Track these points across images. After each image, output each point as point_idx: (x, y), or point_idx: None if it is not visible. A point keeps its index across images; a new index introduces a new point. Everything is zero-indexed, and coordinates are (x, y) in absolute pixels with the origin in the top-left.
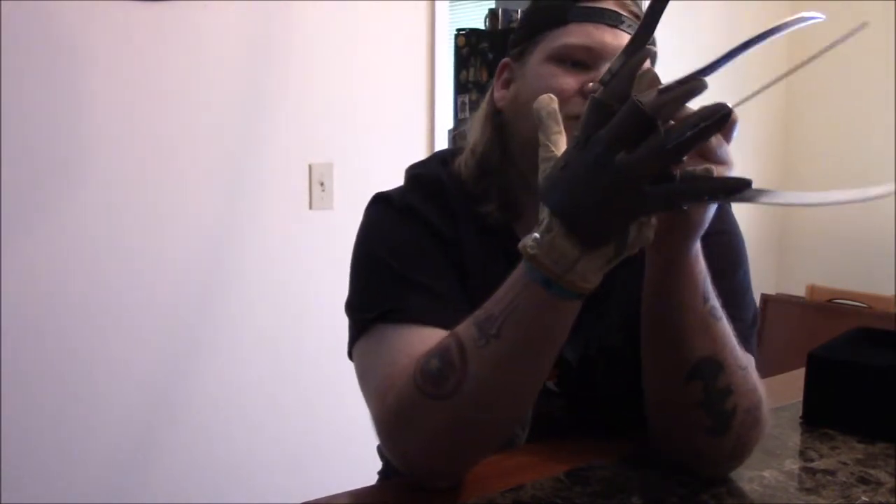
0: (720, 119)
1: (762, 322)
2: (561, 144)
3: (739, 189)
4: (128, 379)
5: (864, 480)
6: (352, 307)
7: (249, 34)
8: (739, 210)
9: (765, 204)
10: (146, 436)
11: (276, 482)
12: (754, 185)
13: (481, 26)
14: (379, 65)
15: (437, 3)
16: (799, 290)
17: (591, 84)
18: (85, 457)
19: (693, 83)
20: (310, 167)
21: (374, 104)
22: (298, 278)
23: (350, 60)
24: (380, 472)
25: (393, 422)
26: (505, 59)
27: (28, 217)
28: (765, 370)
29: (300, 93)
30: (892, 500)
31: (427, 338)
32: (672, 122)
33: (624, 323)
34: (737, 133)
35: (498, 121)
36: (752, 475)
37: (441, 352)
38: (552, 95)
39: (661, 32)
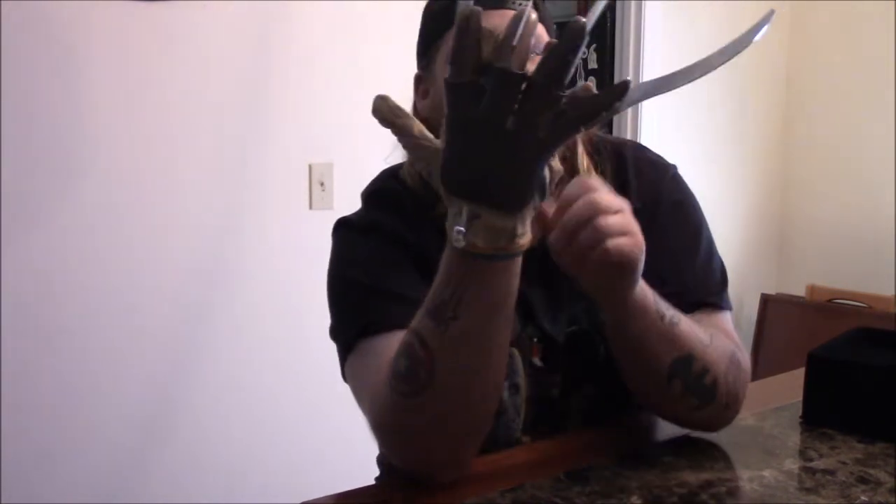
0: (578, 36)
1: (762, 322)
2: (429, 134)
3: (623, 92)
4: (128, 379)
5: (863, 480)
6: (334, 332)
7: (249, 34)
8: (739, 212)
9: (656, 93)
10: (146, 435)
11: (276, 482)
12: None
13: None
14: (379, 65)
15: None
16: (799, 290)
17: None
18: (85, 457)
19: (525, 21)
20: (310, 167)
21: None
22: (299, 278)
23: (350, 60)
24: (377, 479)
25: (383, 429)
26: (417, 73)
27: (28, 217)
28: (765, 370)
29: (300, 93)
30: (892, 499)
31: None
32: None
33: None
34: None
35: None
36: (752, 475)
37: (404, 351)
38: (382, 95)
39: (661, 31)
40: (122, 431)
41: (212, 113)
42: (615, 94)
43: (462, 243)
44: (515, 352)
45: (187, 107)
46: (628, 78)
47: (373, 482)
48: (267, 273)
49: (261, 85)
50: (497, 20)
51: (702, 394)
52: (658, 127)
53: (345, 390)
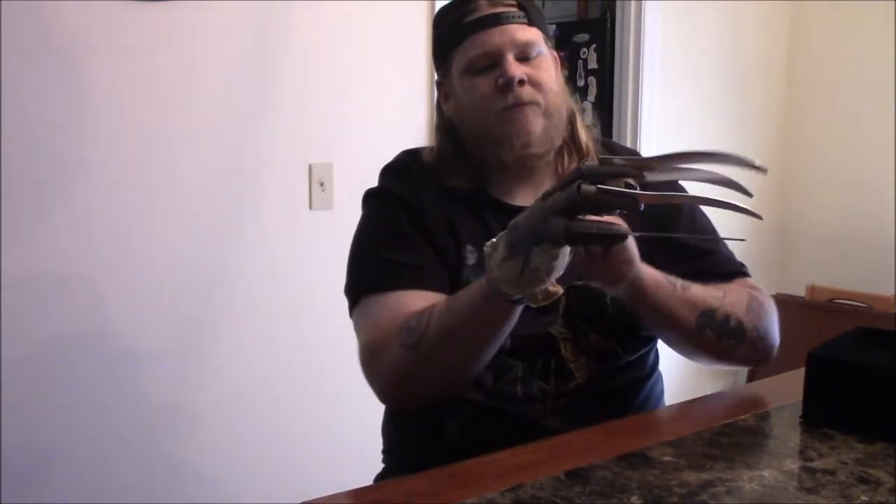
0: (614, 238)
1: None
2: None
3: (621, 239)
4: (127, 379)
5: (863, 480)
6: (346, 288)
7: (249, 34)
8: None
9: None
10: (146, 436)
11: (276, 482)
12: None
13: None
14: (379, 65)
15: (437, 3)
16: (799, 290)
17: (501, 79)
18: (85, 457)
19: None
20: (310, 167)
21: (374, 104)
22: (298, 278)
23: (350, 60)
24: (378, 476)
25: (370, 356)
26: (437, 79)
27: (28, 217)
28: (765, 370)
29: (300, 93)
30: (892, 499)
31: (396, 298)
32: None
33: None
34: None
35: (449, 125)
36: (752, 475)
37: (418, 314)
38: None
39: (661, 31)
40: (120, 431)
41: (212, 113)
42: (614, 238)
43: (488, 249)
44: None
45: (187, 106)
46: (625, 226)
47: (372, 482)
48: (267, 273)
49: (261, 85)
50: (497, 38)
51: (732, 335)
52: (658, 127)
53: (343, 391)
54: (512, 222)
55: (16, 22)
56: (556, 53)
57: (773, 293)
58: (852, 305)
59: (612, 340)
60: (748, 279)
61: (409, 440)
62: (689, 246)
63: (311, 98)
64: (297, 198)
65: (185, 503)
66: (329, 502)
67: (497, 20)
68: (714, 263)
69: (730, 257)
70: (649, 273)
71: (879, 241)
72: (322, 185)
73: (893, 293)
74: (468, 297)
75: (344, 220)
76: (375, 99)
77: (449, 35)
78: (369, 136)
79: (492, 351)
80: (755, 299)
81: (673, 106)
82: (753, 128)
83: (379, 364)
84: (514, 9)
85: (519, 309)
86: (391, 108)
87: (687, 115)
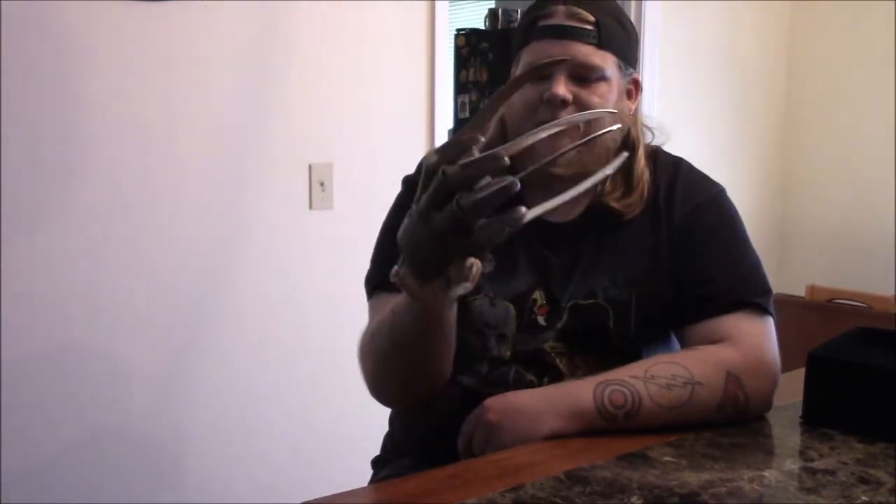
0: (504, 190)
1: None
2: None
3: (518, 221)
4: (127, 379)
5: (864, 480)
6: (366, 278)
7: (249, 34)
8: (739, 212)
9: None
10: (145, 436)
11: (276, 482)
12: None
13: (481, 26)
14: (379, 65)
15: (437, 3)
16: (799, 290)
17: (545, 94)
18: (85, 457)
19: (491, 162)
20: (310, 167)
21: (374, 104)
22: (298, 278)
23: (350, 60)
24: (373, 461)
25: (359, 361)
26: (512, 69)
27: (28, 217)
28: None
29: (300, 93)
30: (892, 500)
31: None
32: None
33: (628, 279)
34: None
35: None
36: (753, 475)
37: (373, 335)
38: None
39: (661, 31)
40: (121, 432)
41: (212, 113)
42: (511, 224)
43: (395, 279)
44: (511, 307)
45: (187, 107)
46: (523, 209)
47: (370, 464)
48: (267, 272)
49: (261, 85)
50: (556, 51)
51: (723, 417)
52: (657, 127)
53: (343, 390)
54: (404, 252)
55: (16, 22)
56: (633, 78)
57: (773, 293)
58: (852, 305)
59: (612, 361)
60: (755, 320)
61: (405, 418)
62: (688, 272)
63: (311, 98)
64: (297, 198)
65: (184, 503)
66: (329, 502)
67: (564, 33)
68: (718, 292)
69: (735, 284)
70: (575, 420)
71: (879, 241)
72: (322, 185)
73: (893, 293)
74: (406, 321)
75: (344, 220)
76: (375, 99)
77: (522, 32)
78: (369, 136)
79: (451, 350)
80: (732, 376)
81: (673, 106)
82: (754, 128)
83: (363, 370)
84: (589, 27)
85: (453, 309)
86: (391, 108)
87: (687, 115)
